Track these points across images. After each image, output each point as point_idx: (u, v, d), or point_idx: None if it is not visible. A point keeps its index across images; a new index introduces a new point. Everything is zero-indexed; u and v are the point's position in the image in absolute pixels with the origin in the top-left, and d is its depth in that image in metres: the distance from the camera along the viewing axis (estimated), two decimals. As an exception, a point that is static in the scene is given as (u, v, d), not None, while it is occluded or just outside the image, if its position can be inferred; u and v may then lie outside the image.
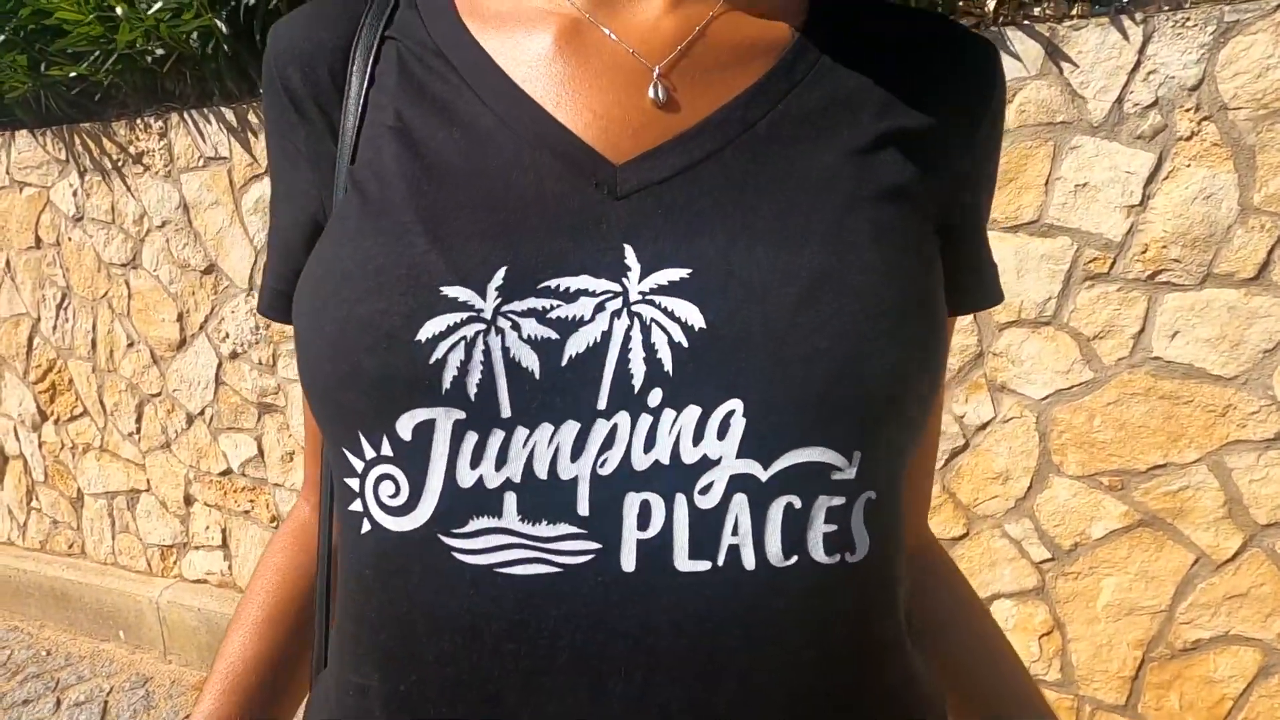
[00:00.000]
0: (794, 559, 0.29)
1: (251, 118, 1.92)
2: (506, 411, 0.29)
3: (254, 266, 2.03)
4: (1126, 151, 1.29)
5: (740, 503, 0.29)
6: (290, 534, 0.45)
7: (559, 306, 0.29)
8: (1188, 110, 1.25)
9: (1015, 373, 1.43)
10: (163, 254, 2.14)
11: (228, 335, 2.12)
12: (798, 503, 0.29)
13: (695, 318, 0.29)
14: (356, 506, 0.32)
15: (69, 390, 2.45)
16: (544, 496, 0.29)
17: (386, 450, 0.30)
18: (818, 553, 0.30)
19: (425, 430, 0.30)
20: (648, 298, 0.30)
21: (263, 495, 2.22)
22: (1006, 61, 1.32)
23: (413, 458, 0.30)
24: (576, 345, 0.29)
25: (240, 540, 2.31)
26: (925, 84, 0.36)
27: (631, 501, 0.29)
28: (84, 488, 2.53)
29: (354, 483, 0.32)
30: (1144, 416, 1.36)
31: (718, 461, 0.29)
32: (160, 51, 1.86)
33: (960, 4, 1.35)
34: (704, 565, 0.29)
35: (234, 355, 2.13)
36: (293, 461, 2.14)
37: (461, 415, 0.29)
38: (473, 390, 0.29)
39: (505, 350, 0.29)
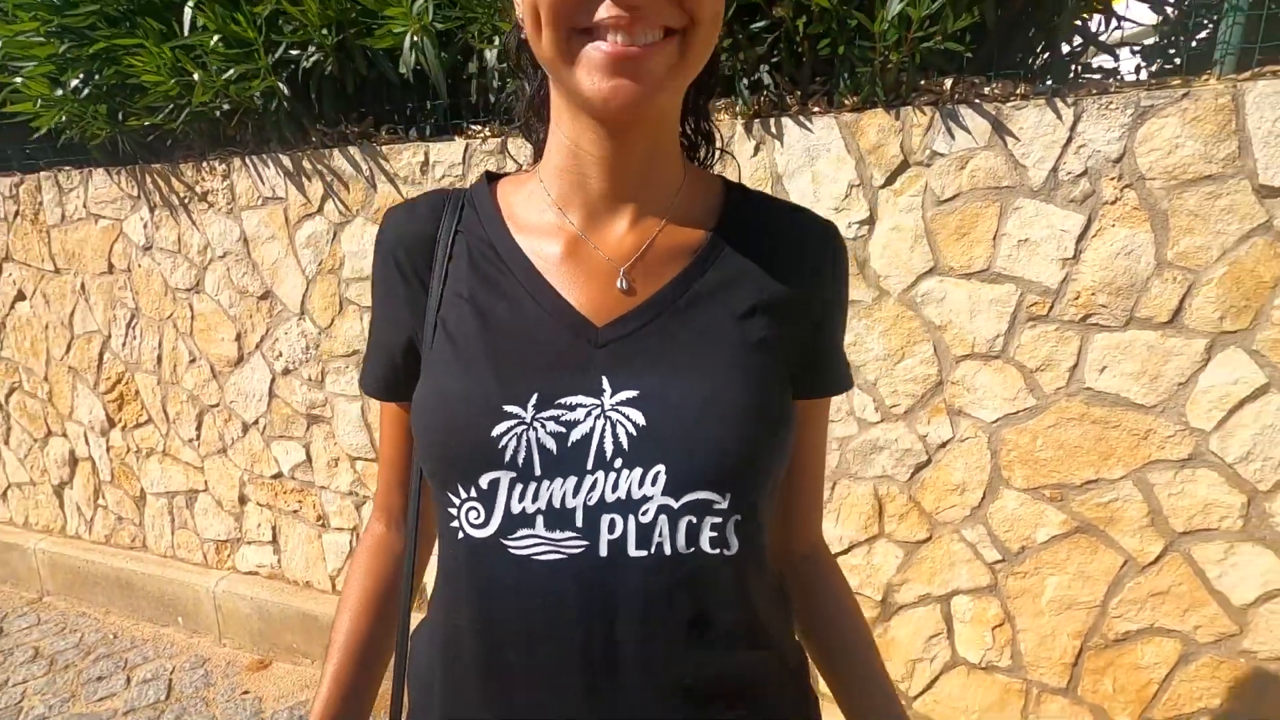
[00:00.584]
0: (692, 549, 0.52)
1: (305, 164, 2.17)
2: (538, 472, 0.52)
3: (304, 294, 2.28)
4: (1061, 213, 1.50)
5: (663, 520, 0.52)
6: (371, 548, 0.69)
7: (566, 413, 0.53)
8: (1112, 179, 1.46)
9: (970, 399, 1.65)
10: (223, 281, 2.40)
11: (280, 354, 2.37)
12: (695, 520, 0.52)
13: (640, 419, 0.52)
14: (455, 524, 0.55)
15: (135, 400, 2.72)
16: (558, 516, 0.52)
17: (473, 494, 0.54)
18: (706, 547, 0.52)
19: (494, 483, 0.53)
20: (614, 408, 0.53)
21: (310, 496, 2.48)
22: (960, 134, 1.54)
23: (487, 497, 0.53)
24: (575, 435, 0.53)
25: (289, 536, 2.57)
26: (790, 259, 0.59)
27: (605, 518, 0.52)
28: (146, 488, 2.80)
29: (454, 510, 0.55)
30: (1079, 438, 1.58)
31: (652, 498, 0.51)
32: (227, 107, 2.12)
33: (922, 83, 1.57)
34: (644, 553, 0.52)
35: (286, 371, 2.38)
36: (337, 467, 2.40)
37: (514, 474, 0.53)
38: (520, 461, 0.52)
39: (538, 440, 0.53)
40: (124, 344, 2.66)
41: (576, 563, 0.52)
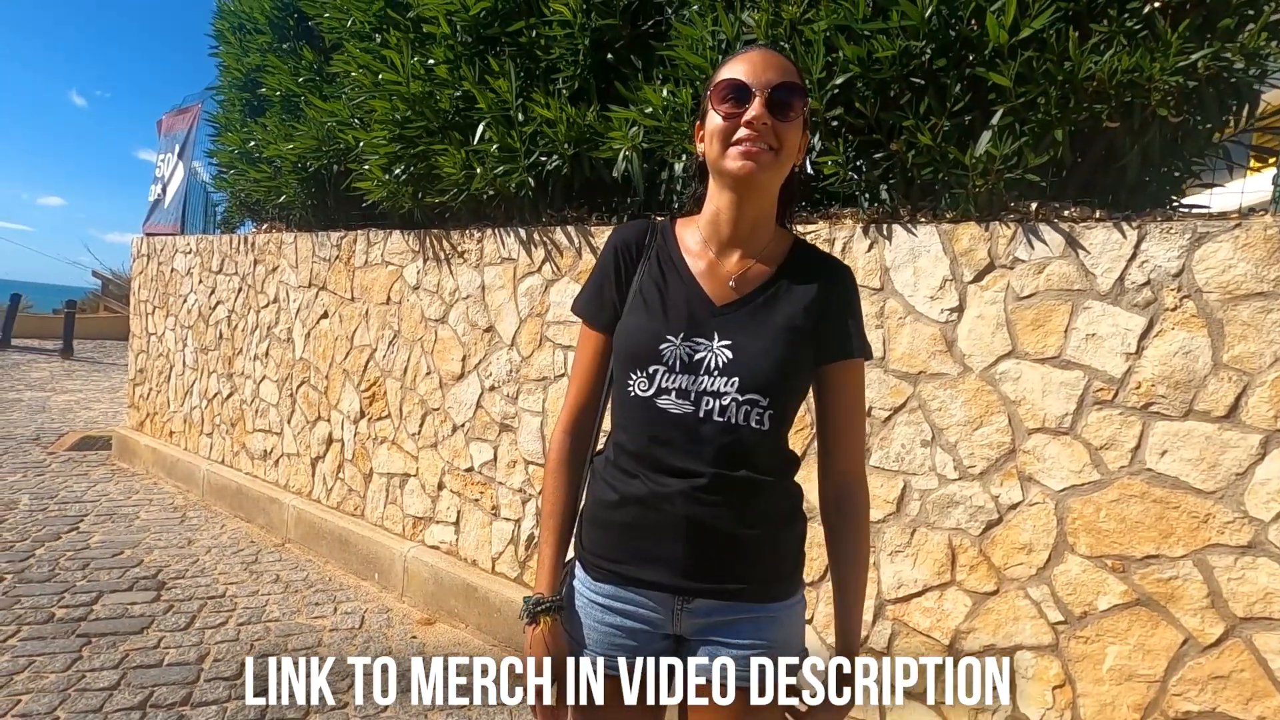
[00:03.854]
0: (744, 423, 1.00)
1: (535, 235, 2.95)
2: (677, 370, 1.04)
3: (516, 331, 3.02)
4: (1125, 314, 1.77)
5: (732, 405, 1.00)
6: (565, 429, 1.19)
7: (694, 345, 1.04)
8: (1172, 290, 1.72)
9: (1039, 468, 1.89)
10: (462, 316, 3.23)
11: (490, 374, 3.11)
12: (748, 409, 1.00)
13: (729, 355, 1.02)
14: (629, 389, 1.07)
15: (382, 399, 3.61)
16: (682, 393, 1.03)
17: (643, 375, 1.06)
18: (751, 424, 1.00)
19: (655, 371, 1.05)
20: (718, 347, 1.03)
21: (489, 490, 3.12)
22: (1038, 245, 1.89)
23: (650, 378, 1.05)
24: (697, 356, 1.03)
25: (467, 520, 3.22)
26: (823, 284, 1.06)
27: (704, 398, 1.01)
28: (375, 468, 3.64)
29: (630, 383, 1.07)
30: (1140, 514, 1.75)
31: (729, 393, 1.01)
32: (491, 193, 2.98)
33: (1012, 204, 1.95)
34: (721, 420, 1.01)
35: (492, 388, 3.11)
36: (514, 468, 3.03)
37: (664, 369, 1.04)
38: (669, 363, 1.04)
39: (679, 355, 1.04)
40: (384, 356, 3.58)
41: (688, 417, 1.02)
